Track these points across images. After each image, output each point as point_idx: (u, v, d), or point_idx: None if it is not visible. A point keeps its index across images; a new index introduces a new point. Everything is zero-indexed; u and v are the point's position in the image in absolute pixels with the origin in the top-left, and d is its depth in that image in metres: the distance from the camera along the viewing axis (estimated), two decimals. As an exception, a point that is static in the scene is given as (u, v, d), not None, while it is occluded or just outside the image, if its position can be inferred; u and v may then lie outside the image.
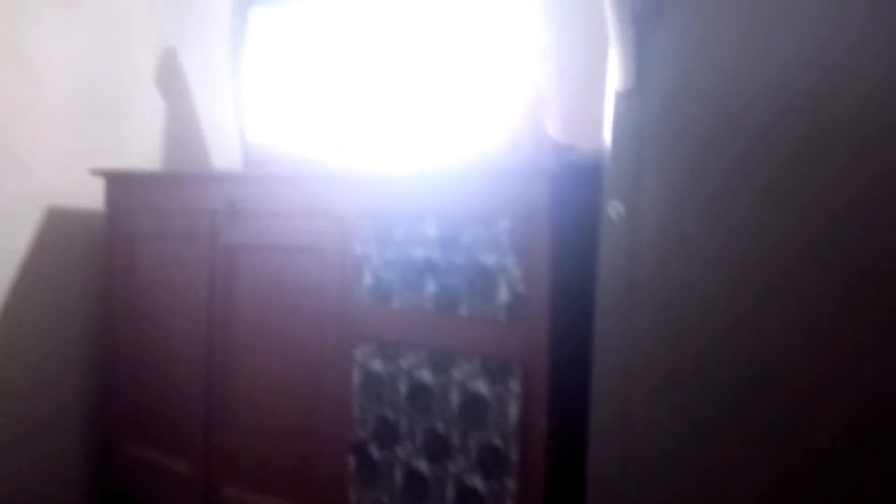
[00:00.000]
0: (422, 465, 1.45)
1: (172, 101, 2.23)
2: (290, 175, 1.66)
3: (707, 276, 1.12)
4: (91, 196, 1.98)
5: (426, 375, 1.44)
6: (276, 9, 2.00)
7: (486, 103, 1.65)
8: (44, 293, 1.91)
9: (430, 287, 1.44)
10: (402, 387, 1.47)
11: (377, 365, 1.51)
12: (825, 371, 1.02)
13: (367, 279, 1.52)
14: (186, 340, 1.82)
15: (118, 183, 1.93)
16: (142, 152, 2.13)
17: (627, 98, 1.15)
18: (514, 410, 1.33)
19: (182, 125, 2.25)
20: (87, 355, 2.01)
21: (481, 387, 1.37)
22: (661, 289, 1.16)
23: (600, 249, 1.21)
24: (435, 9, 1.73)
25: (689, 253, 1.14)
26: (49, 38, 1.87)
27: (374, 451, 1.51)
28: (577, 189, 1.35)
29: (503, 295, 1.35)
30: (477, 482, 1.38)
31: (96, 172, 1.90)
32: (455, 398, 1.41)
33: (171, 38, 2.20)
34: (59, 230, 1.94)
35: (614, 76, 1.17)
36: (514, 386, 1.33)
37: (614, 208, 1.16)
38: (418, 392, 1.45)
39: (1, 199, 1.80)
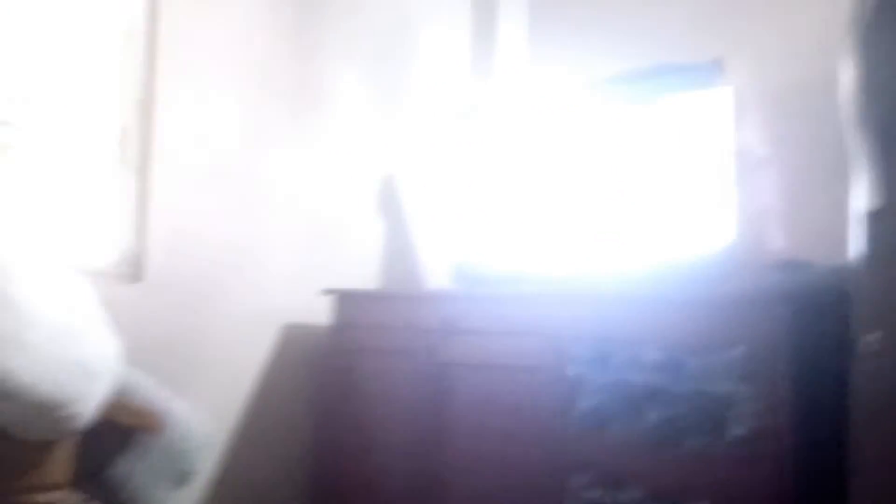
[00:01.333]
0: None
1: (389, 222, 2.40)
2: (503, 295, 1.69)
3: None
4: (313, 312, 2.14)
5: (649, 512, 1.34)
6: (488, 132, 2.12)
7: (703, 214, 1.59)
8: (275, 401, 2.07)
9: (651, 416, 1.36)
10: (623, 522, 1.38)
11: (595, 495, 1.43)
12: None
13: (582, 403, 1.48)
14: (400, 452, 1.86)
15: (345, 301, 2.09)
16: (360, 271, 2.29)
17: (880, 218, 1.04)
18: (754, 562, 1.19)
19: (397, 244, 2.41)
20: (306, 456, 2.11)
21: (713, 531, 1.25)
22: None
23: (852, 381, 1.08)
24: (648, 119, 1.73)
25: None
26: (281, 171, 2.11)
27: (593, 591, 1.42)
28: (818, 312, 1.23)
29: (736, 429, 1.24)
30: None
31: (328, 292, 2.07)
32: (683, 541, 1.29)
33: (390, 165, 2.40)
34: (289, 344, 2.13)
35: (861, 195, 1.07)
36: (754, 534, 1.20)
37: (872, 339, 1.04)
38: (640, 529, 1.35)
39: (243, 317, 2.01)
